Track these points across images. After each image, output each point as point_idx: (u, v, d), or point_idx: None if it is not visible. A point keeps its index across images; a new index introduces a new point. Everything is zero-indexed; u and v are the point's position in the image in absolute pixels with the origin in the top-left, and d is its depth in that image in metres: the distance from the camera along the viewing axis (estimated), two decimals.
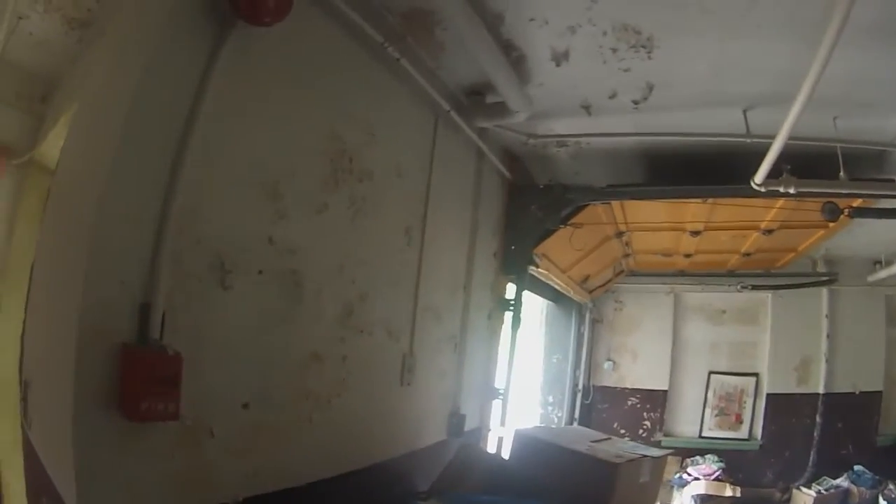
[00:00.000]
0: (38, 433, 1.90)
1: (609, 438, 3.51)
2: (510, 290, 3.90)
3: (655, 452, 3.34)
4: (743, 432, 7.50)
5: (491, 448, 3.79)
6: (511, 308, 3.80)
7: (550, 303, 7.08)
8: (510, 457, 3.18)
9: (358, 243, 2.30)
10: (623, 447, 3.29)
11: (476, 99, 3.05)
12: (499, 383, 3.86)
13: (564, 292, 6.61)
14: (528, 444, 3.13)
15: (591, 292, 7.36)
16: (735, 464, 7.07)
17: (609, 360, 7.93)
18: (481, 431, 3.74)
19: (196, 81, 1.61)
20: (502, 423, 3.83)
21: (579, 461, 2.90)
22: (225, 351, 1.75)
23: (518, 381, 4.05)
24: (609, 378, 7.93)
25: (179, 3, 1.62)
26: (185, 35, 1.61)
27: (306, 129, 2.05)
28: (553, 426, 6.93)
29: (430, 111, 2.84)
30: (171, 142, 1.56)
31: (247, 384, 1.86)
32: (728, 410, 7.57)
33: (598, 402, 7.88)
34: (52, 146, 3.41)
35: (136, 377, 1.47)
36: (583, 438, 3.25)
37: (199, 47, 1.63)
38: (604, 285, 7.57)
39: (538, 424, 6.76)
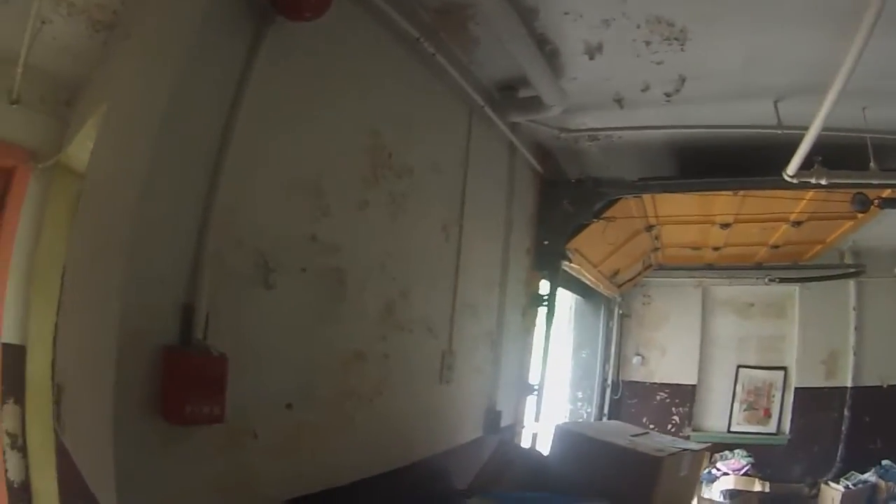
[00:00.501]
0: (74, 437, 1.86)
1: (647, 433, 3.43)
2: (543, 286, 3.83)
3: (694, 446, 3.27)
4: (771, 427, 7.33)
5: (528, 444, 3.72)
6: (544, 304, 3.73)
7: (579, 298, 7.00)
8: (551, 452, 3.11)
9: (398, 240, 2.25)
10: (662, 441, 3.21)
11: (509, 94, 2.99)
12: (532, 379, 3.79)
13: (594, 287, 6.52)
14: (569, 440, 3.06)
15: (619, 287, 7.24)
16: (763, 459, 6.91)
17: (638, 354, 7.80)
18: (516, 428, 3.67)
19: (235, 79, 1.56)
20: (536, 419, 3.76)
21: (622, 456, 2.84)
22: (268, 351, 1.70)
23: (550, 376, 3.97)
24: (638, 373, 7.80)
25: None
26: (223, 32, 1.56)
27: (345, 126, 1.99)
28: (590, 421, 6.84)
29: (464, 106, 2.77)
30: (210, 141, 1.51)
31: (290, 384, 1.81)
32: (756, 405, 7.41)
33: (627, 397, 7.75)
34: (79, 149, 3.40)
35: (180, 380, 1.42)
36: (622, 433, 3.18)
37: (237, 44, 1.58)
38: (632, 279, 7.45)
39: (568, 420, 6.68)
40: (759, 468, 6.76)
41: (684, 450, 3.02)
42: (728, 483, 6.58)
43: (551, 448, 3.11)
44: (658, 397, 7.74)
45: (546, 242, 3.68)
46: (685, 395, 7.62)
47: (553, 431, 3.11)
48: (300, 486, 1.87)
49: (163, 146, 1.45)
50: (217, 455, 1.58)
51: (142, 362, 1.39)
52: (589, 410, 7.22)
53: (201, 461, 1.55)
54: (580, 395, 7.32)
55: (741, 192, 4.39)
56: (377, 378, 2.18)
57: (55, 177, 3.75)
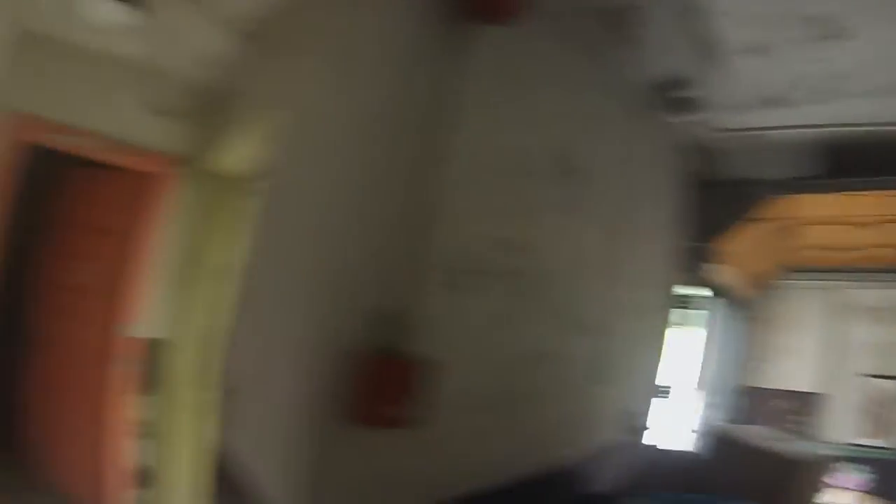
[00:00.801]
0: (248, 437, 1.86)
1: (790, 438, 3.31)
2: (685, 287, 3.71)
3: (832, 454, 3.16)
4: None
5: (667, 447, 3.63)
6: (685, 305, 3.62)
7: (711, 300, 6.76)
8: (699, 455, 3.05)
9: (570, 241, 2.22)
10: (806, 447, 3.10)
11: (666, 94, 2.93)
12: (665, 381, 3.66)
13: (727, 289, 6.29)
14: (721, 443, 3.00)
15: (752, 289, 6.90)
16: (888, 476, 6.48)
17: (764, 359, 7.42)
18: (652, 431, 3.59)
19: (436, 84, 1.56)
20: (671, 423, 3.67)
21: (773, 459, 2.77)
22: (457, 353, 1.71)
23: (682, 379, 3.87)
24: (763, 378, 7.43)
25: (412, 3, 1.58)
26: (425, 38, 1.57)
27: (530, 128, 1.97)
28: (734, 425, 6.65)
29: (626, 108, 2.69)
30: (410, 147, 1.52)
31: (475, 386, 1.82)
32: (882, 417, 6.94)
33: (752, 403, 7.42)
34: (229, 155, 3.57)
35: (382, 384, 1.46)
36: (767, 437, 3.08)
37: (437, 51, 1.58)
38: (765, 282, 7.08)
39: (699, 424, 6.51)
40: (880, 485, 6.35)
41: (828, 457, 2.92)
42: (845, 499, 6.23)
43: (699, 450, 3.04)
44: (780, 404, 7.34)
45: (691, 243, 3.57)
46: (808, 403, 7.21)
47: (697, 434, 3.04)
48: (472, 485, 1.87)
49: (369, 154, 1.48)
50: (403, 455, 1.61)
51: (339, 365, 1.43)
52: (717, 415, 6.97)
53: (389, 461, 1.58)
54: (708, 399, 7.07)
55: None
56: (547, 378, 2.18)
57: (202, 181, 3.97)
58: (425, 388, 1.54)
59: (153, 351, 3.98)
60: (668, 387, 3.65)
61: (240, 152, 3.43)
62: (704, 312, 6.96)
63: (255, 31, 3.16)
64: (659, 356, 3.58)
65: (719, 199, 3.58)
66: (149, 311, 3.94)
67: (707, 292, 5.95)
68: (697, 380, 6.96)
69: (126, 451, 4.04)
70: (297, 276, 1.61)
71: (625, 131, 2.70)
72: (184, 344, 3.91)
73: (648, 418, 3.47)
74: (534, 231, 1.99)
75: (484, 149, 1.77)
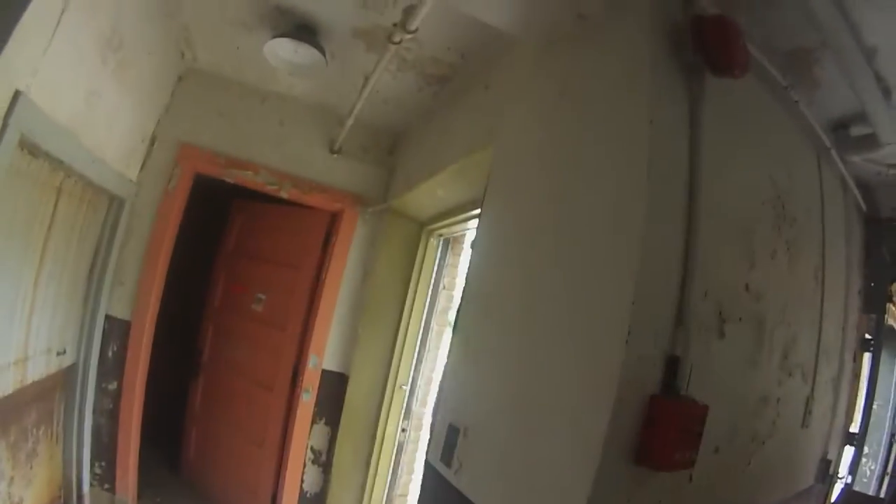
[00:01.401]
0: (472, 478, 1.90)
1: None
2: (869, 330, 3.58)
3: None
4: None
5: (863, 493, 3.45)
6: (871, 349, 3.49)
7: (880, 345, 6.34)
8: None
9: (791, 288, 2.24)
10: None
11: (842, 133, 2.90)
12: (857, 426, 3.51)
13: None
14: None
15: None
16: None
17: None
18: (844, 476, 3.43)
19: (684, 133, 1.63)
20: (862, 468, 3.50)
21: None
22: (716, 398, 1.69)
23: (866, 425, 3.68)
24: None
25: (648, 54, 1.63)
26: (665, 86, 1.61)
27: (753, 177, 2.03)
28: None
29: (813, 150, 2.71)
30: (676, 194, 1.58)
31: (722, 429, 1.83)
32: None
33: None
34: (412, 195, 3.77)
35: (670, 428, 1.46)
36: None
37: (678, 99, 1.64)
38: None
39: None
40: None
41: None
42: None
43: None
44: None
45: (872, 284, 3.46)
46: None
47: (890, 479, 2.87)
48: None
49: (651, 206, 1.50)
50: (660, 498, 1.61)
51: (631, 410, 1.45)
52: (872, 467, 6.50)
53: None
54: (867, 450, 6.62)
55: None
56: (769, 421, 2.17)
57: (383, 219, 4.23)
58: (701, 434, 1.57)
59: (332, 383, 4.23)
60: (859, 431, 3.48)
61: (428, 196, 3.66)
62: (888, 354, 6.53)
63: (440, 75, 3.34)
64: (851, 400, 3.46)
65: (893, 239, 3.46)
66: (330, 345, 4.20)
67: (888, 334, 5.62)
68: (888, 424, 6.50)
69: (299, 479, 4.28)
70: (600, 322, 1.57)
71: (816, 173, 2.70)
72: (359, 377, 4.12)
73: (842, 463, 3.34)
74: (766, 276, 2.02)
75: (728, 197, 1.83)
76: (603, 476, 1.40)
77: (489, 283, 2.17)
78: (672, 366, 1.53)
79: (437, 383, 3.93)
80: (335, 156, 4.15)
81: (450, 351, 2.34)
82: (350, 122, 3.66)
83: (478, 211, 3.03)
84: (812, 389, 2.54)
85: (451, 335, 2.36)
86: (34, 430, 3.44)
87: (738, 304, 1.83)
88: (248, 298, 4.50)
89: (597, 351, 1.52)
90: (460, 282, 4.18)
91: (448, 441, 2.05)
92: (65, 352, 3.63)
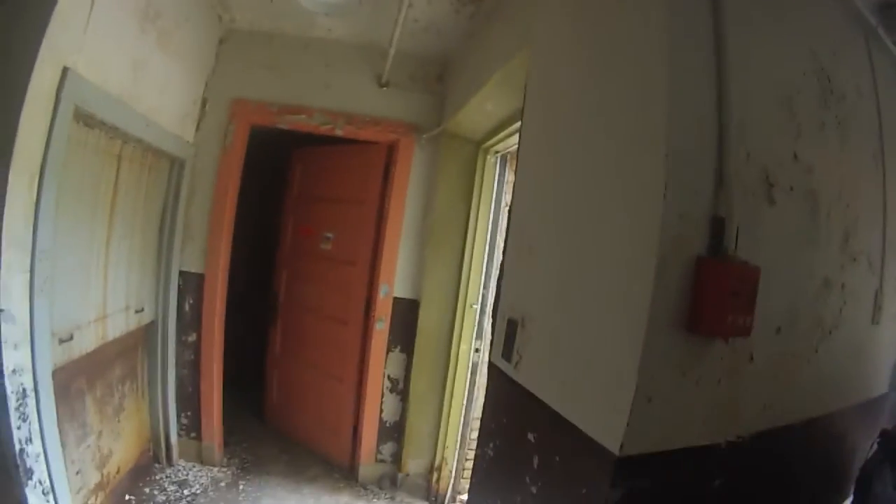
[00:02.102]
0: (530, 370, 1.89)
1: None
2: None
3: None
4: None
5: None
6: None
7: None
8: None
9: (845, 166, 2.05)
10: None
11: (890, 13, 2.65)
12: None
13: None
14: None
15: None
16: None
17: None
18: None
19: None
20: None
21: None
22: (769, 270, 1.58)
23: None
24: None
25: None
26: None
27: (790, 46, 1.85)
28: None
29: (860, 29, 2.44)
30: (706, 55, 1.48)
31: (780, 307, 1.73)
32: None
33: None
34: (466, 116, 3.72)
35: (719, 290, 1.38)
36: None
37: None
38: None
39: None
40: None
41: None
42: None
43: None
44: None
45: None
46: None
47: None
48: (765, 420, 1.76)
49: (674, 65, 1.41)
50: (720, 377, 1.54)
51: (677, 273, 1.37)
52: None
53: (707, 383, 1.51)
54: None
55: None
56: (835, 309, 2.02)
57: (440, 142, 4.19)
58: (755, 297, 1.48)
59: (404, 311, 4.32)
60: None
61: (478, 112, 3.59)
62: None
63: None
64: None
65: None
66: (399, 272, 4.27)
67: None
68: None
69: (378, 408, 4.41)
70: (638, 186, 1.48)
71: (865, 53, 2.45)
72: (430, 303, 4.19)
73: None
74: (815, 149, 1.86)
75: (754, 61, 1.66)
76: (652, 345, 1.35)
77: (534, 178, 2.13)
78: (717, 226, 1.44)
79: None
80: (384, 89, 4.15)
81: (505, 249, 2.32)
82: (392, 51, 3.64)
83: None
84: (881, 282, 2.35)
85: (505, 233, 2.34)
86: (119, 386, 3.68)
87: (787, 172, 1.69)
88: (317, 239, 4.62)
89: (636, 214, 1.44)
90: None
91: (508, 336, 2.05)
92: (143, 309, 3.84)
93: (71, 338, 2.96)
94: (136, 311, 3.78)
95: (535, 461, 1.74)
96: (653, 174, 1.39)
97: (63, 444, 2.73)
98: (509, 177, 4.12)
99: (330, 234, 4.56)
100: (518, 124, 3.18)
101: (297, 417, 4.83)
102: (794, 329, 1.82)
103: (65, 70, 2.39)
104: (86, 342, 3.14)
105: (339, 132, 4.17)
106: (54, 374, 2.62)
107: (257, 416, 5.20)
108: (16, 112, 2.16)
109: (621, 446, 1.35)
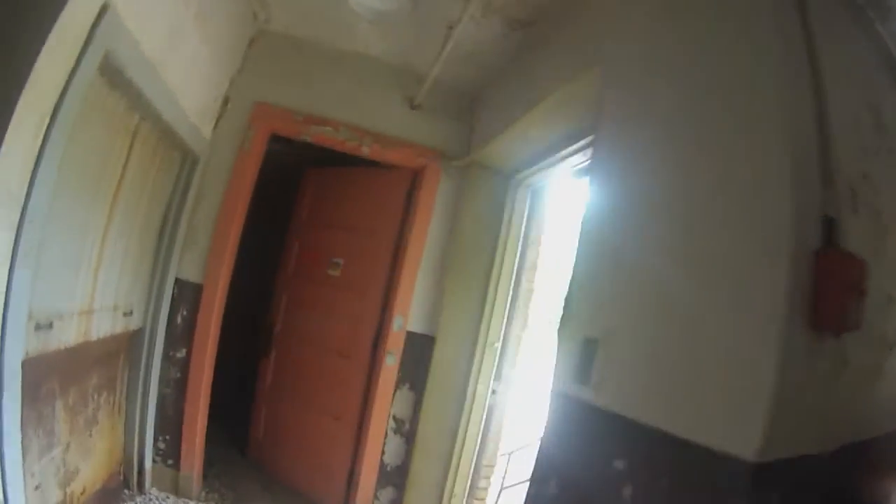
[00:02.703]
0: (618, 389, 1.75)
1: None
2: None
3: None
4: None
5: None
6: None
7: None
8: None
9: None
10: None
11: None
12: None
13: None
14: None
15: None
16: None
17: None
18: None
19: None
20: None
21: None
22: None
23: None
24: None
25: None
26: None
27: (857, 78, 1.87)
28: None
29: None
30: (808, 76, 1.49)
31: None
32: None
33: None
34: (497, 145, 3.51)
35: (838, 282, 1.34)
36: None
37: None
38: None
39: None
40: None
41: None
42: None
43: None
44: None
45: None
46: None
47: None
48: (858, 430, 1.65)
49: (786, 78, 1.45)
50: (832, 376, 1.46)
51: (802, 269, 1.31)
52: None
53: (824, 381, 1.42)
54: None
55: None
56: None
57: (469, 173, 3.97)
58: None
59: (418, 345, 3.94)
60: None
61: (519, 139, 3.38)
62: None
63: (526, 19, 3.15)
64: None
65: None
66: (415, 306, 3.93)
67: None
68: None
69: (380, 450, 3.97)
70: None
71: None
72: (452, 337, 3.84)
73: None
74: (880, 174, 1.78)
75: (837, 87, 1.62)
76: (787, 342, 1.27)
77: (618, 191, 2.01)
78: (828, 225, 1.40)
79: (531, 342, 3.65)
80: (414, 112, 3.94)
81: (575, 265, 2.10)
82: (434, 73, 3.46)
83: (576, 146, 2.99)
84: None
85: (576, 248, 2.12)
86: (95, 396, 3.20)
87: (862, 188, 1.63)
88: (324, 265, 4.26)
89: (760, 215, 1.40)
90: (551, 233, 3.93)
91: (583, 357, 1.87)
92: (131, 313, 3.42)
93: (50, 326, 2.51)
94: (125, 314, 3.35)
95: (628, 491, 1.55)
96: (779, 177, 1.38)
97: (24, 451, 2.25)
98: (540, 211, 3.91)
99: (339, 260, 4.23)
100: (565, 150, 3.06)
101: (285, 456, 4.33)
102: (868, 340, 1.66)
103: (104, 6, 2.05)
104: (66, 335, 2.69)
105: (365, 150, 3.92)
106: (24, 364, 2.15)
107: (238, 451, 4.67)
108: (39, 41, 1.78)
109: (759, 451, 1.23)
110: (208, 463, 3.98)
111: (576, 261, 2.10)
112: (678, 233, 1.64)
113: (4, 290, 1.99)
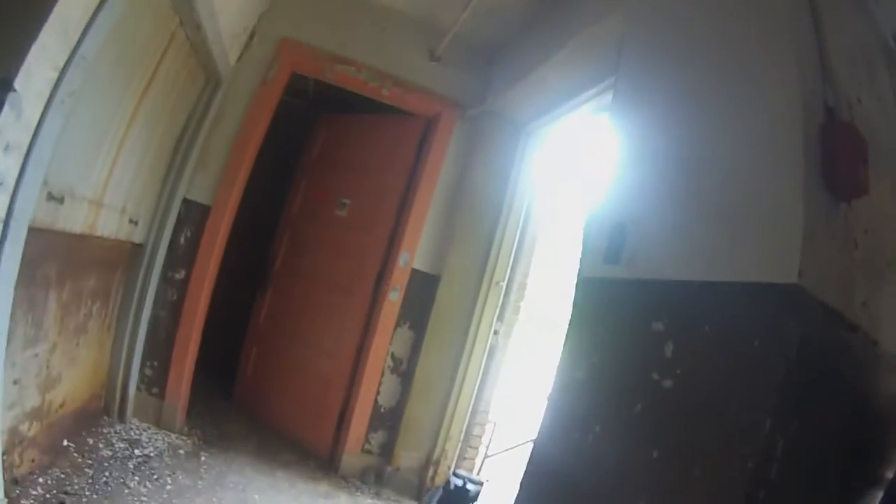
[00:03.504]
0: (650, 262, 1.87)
1: None
2: None
3: None
4: None
5: None
6: None
7: None
8: None
9: None
10: None
11: None
12: None
13: None
14: None
15: None
16: None
17: None
18: None
19: None
20: None
21: None
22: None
23: None
24: None
25: None
26: None
27: None
28: None
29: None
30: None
31: None
32: None
33: None
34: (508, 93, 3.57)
35: (849, 146, 1.45)
36: None
37: None
38: None
39: None
40: None
41: None
42: None
43: None
44: None
45: None
46: None
47: None
48: None
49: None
50: (843, 242, 1.51)
51: (812, 135, 1.42)
52: None
53: (835, 242, 1.47)
54: None
55: None
56: None
57: (483, 122, 4.03)
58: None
59: (421, 284, 3.91)
60: None
61: (537, 85, 3.45)
62: None
63: None
64: None
65: None
66: (422, 246, 3.91)
67: None
68: None
69: (375, 390, 3.87)
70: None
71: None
72: (457, 276, 3.81)
73: None
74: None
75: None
76: (810, 194, 1.37)
77: (645, 108, 2.13)
78: (831, 111, 1.52)
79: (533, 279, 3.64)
80: (434, 63, 4.00)
81: (616, 167, 2.19)
82: (459, 24, 3.50)
83: (592, 91, 3.07)
84: None
85: (615, 138, 2.22)
86: (88, 302, 3.06)
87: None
88: (332, 205, 4.20)
89: (775, 99, 1.52)
90: (559, 180, 4.02)
91: (613, 241, 1.97)
92: (137, 223, 3.34)
93: (62, 201, 2.38)
94: (131, 221, 3.23)
95: (670, 348, 1.58)
96: (787, 67, 1.52)
97: (9, 336, 2.07)
98: (550, 160, 4.01)
99: (346, 201, 4.20)
100: (586, 93, 3.15)
101: (273, 397, 4.17)
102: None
103: None
104: (73, 219, 2.56)
105: (385, 92, 3.94)
106: (29, 233, 2.01)
107: (226, 393, 4.49)
108: None
109: (798, 275, 1.30)
110: (193, 401, 3.82)
111: (617, 149, 2.20)
112: (706, 129, 1.77)
113: (35, 126, 1.92)
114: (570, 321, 2.09)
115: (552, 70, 3.19)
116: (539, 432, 2.11)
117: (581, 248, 2.19)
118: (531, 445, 2.12)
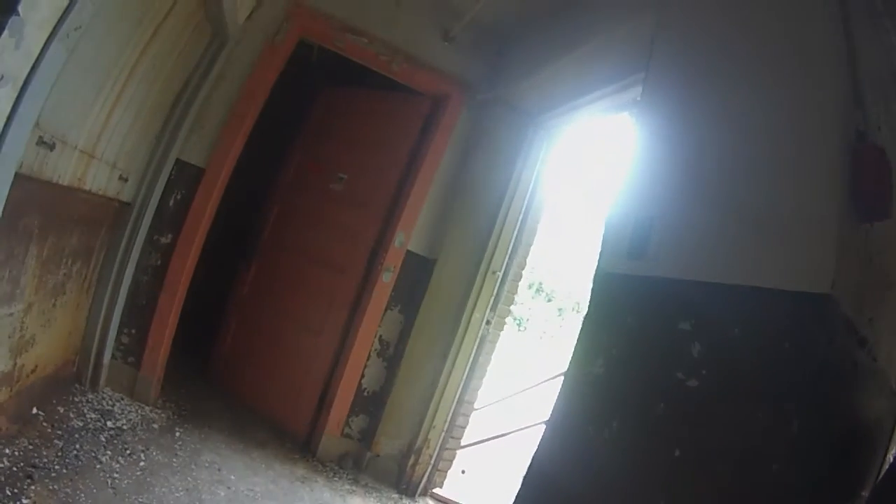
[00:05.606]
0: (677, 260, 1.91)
1: None
2: None
3: None
4: None
5: None
6: None
7: None
8: None
9: None
10: None
11: None
12: None
13: None
14: None
15: None
16: None
17: None
18: None
19: None
20: None
21: None
22: None
23: None
24: None
25: None
26: None
27: None
28: None
29: None
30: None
31: None
32: None
33: None
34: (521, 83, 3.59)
35: (867, 167, 1.50)
36: None
37: None
38: None
39: None
40: None
41: None
42: None
43: None
44: None
45: None
46: None
47: None
48: None
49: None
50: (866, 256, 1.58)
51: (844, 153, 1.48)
52: None
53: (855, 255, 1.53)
54: None
55: None
56: None
57: (491, 109, 4.01)
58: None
59: (415, 267, 3.89)
60: None
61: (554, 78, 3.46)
62: None
63: None
64: None
65: None
66: (419, 228, 3.90)
67: None
68: None
69: (359, 373, 3.85)
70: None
71: None
72: (453, 262, 3.80)
73: None
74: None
75: None
76: (842, 204, 1.43)
77: (675, 104, 2.16)
78: (861, 134, 1.57)
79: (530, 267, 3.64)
80: (447, 44, 3.97)
81: (637, 163, 2.22)
82: (477, 7, 3.49)
83: (612, 87, 3.09)
84: None
85: (637, 135, 2.25)
86: (69, 262, 2.94)
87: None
88: (327, 179, 4.12)
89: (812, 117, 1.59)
90: (565, 175, 4.03)
91: (638, 236, 1.98)
92: (127, 180, 3.26)
93: (52, 147, 2.26)
94: (121, 178, 3.11)
95: (696, 349, 1.59)
96: (824, 89, 1.59)
97: None
98: (556, 155, 4.02)
99: (344, 175, 4.15)
100: (604, 89, 3.18)
101: (249, 373, 4.08)
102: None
103: None
104: (62, 169, 2.40)
105: (395, 67, 3.87)
106: (16, 179, 1.88)
107: (198, 366, 4.40)
108: None
109: (832, 284, 1.35)
110: (169, 372, 3.74)
111: (637, 144, 2.23)
112: (740, 137, 1.82)
113: (35, 56, 1.83)
114: (587, 315, 2.07)
115: (572, 64, 3.14)
116: (547, 425, 2.11)
117: (601, 242, 2.17)
118: (536, 439, 2.13)
